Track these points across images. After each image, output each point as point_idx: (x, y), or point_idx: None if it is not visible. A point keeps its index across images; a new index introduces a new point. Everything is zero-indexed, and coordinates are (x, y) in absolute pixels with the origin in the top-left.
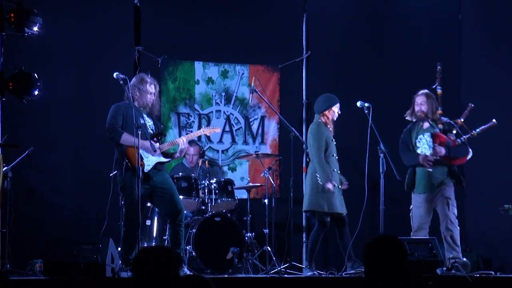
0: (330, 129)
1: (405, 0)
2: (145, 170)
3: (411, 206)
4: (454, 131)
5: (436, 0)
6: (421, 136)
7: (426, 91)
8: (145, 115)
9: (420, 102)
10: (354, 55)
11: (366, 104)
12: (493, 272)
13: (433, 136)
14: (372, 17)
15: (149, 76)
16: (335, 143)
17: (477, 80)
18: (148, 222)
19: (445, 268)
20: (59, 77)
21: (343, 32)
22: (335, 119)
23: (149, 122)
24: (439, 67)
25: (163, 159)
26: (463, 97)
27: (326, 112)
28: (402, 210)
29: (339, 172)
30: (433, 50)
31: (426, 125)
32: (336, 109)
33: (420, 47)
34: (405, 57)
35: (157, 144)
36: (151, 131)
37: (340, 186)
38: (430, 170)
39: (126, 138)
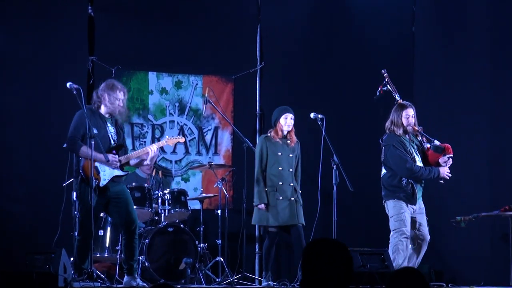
0: (288, 141)
1: (360, 12)
2: (101, 185)
3: (402, 211)
4: (427, 144)
5: (390, 13)
6: (411, 149)
7: (408, 102)
8: (109, 124)
9: (411, 114)
10: (308, 66)
11: (319, 116)
12: (444, 284)
13: (442, 149)
14: (326, 29)
15: (119, 82)
16: (290, 155)
17: (430, 92)
18: (101, 232)
19: None
20: (12, 86)
21: (297, 43)
22: (284, 129)
23: (111, 132)
24: (386, 73)
25: (120, 173)
26: (416, 107)
27: (276, 125)
28: (355, 221)
29: (292, 185)
30: (387, 62)
31: (407, 137)
32: (283, 120)
33: (374, 58)
34: (359, 68)
35: (116, 157)
36: (113, 141)
37: (292, 198)
38: (442, 182)
39: (85, 152)
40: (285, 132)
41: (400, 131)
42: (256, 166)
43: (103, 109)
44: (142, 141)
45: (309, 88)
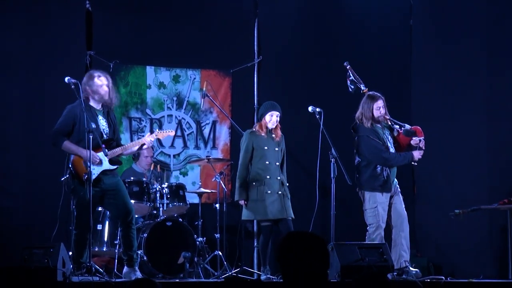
0: (273, 135)
1: (356, 6)
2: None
3: (375, 205)
4: (396, 125)
5: (387, 6)
6: (384, 137)
7: (377, 93)
8: (100, 117)
9: (382, 105)
10: (305, 60)
11: (317, 109)
12: (443, 277)
13: (413, 132)
14: (324, 22)
15: (98, 70)
16: (276, 149)
17: (427, 86)
18: (99, 227)
19: (395, 273)
20: (10, 81)
21: (294, 37)
22: (269, 126)
23: (103, 125)
24: (349, 66)
25: (109, 167)
26: (413, 101)
27: (261, 120)
28: (353, 215)
29: (279, 178)
30: (385, 56)
31: (378, 125)
32: (268, 117)
33: (371, 52)
34: (356, 62)
35: (97, 155)
36: (104, 135)
37: (279, 192)
38: (416, 164)
39: (67, 146)
40: (269, 128)
41: (368, 124)
42: (240, 161)
43: (92, 102)
44: (140, 135)
45: (306, 81)
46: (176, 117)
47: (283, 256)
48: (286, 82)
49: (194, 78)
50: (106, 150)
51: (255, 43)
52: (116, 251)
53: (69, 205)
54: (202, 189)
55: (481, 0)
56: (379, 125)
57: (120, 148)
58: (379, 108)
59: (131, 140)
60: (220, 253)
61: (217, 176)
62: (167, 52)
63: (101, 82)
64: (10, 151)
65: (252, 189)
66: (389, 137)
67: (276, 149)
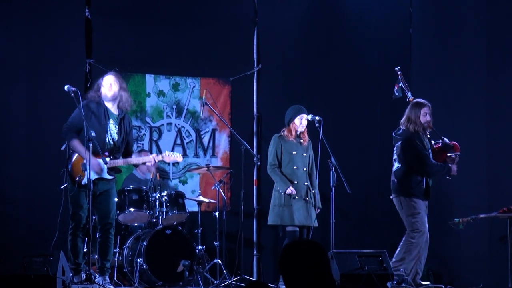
0: (301, 140)
1: (357, 14)
2: (83, 182)
3: (419, 211)
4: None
5: (387, 14)
6: (427, 145)
7: (424, 100)
8: (112, 121)
9: (428, 112)
10: (305, 68)
11: (317, 118)
12: (443, 286)
13: (451, 147)
14: (323, 31)
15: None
16: (304, 154)
17: (427, 94)
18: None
19: (395, 282)
20: (10, 90)
21: (294, 45)
22: (298, 130)
23: (111, 130)
24: (400, 72)
25: (107, 177)
26: None
27: (290, 125)
28: (353, 223)
29: (307, 184)
30: (384, 64)
31: (421, 134)
32: (298, 120)
33: (371, 60)
34: (356, 70)
35: (107, 159)
36: (111, 140)
37: (306, 198)
38: (450, 178)
39: (75, 145)
40: (298, 132)
41: (417, 128)
42: (269, 160)
43: (107, 103)
44: (140, 144)
45: (306, 90)
46: (175, 125)
47: (290, 263)
48: (285, 90)
49: (194, 86)
50: (106, 159)
51: (255, 51)
52: (116, 259)
53: (69, 213)
54: (201, 198)
55: (480, 6)
56: (421, 134)
57: (121, 160)
58: (425, 114)
59: None
60: (220, 261)
61: (216, 185)
62: (167, 60)
63: (106, 82)
64: (10, 159)
65: (279, 194)
66: (430, 147)
67: (304, 154)
